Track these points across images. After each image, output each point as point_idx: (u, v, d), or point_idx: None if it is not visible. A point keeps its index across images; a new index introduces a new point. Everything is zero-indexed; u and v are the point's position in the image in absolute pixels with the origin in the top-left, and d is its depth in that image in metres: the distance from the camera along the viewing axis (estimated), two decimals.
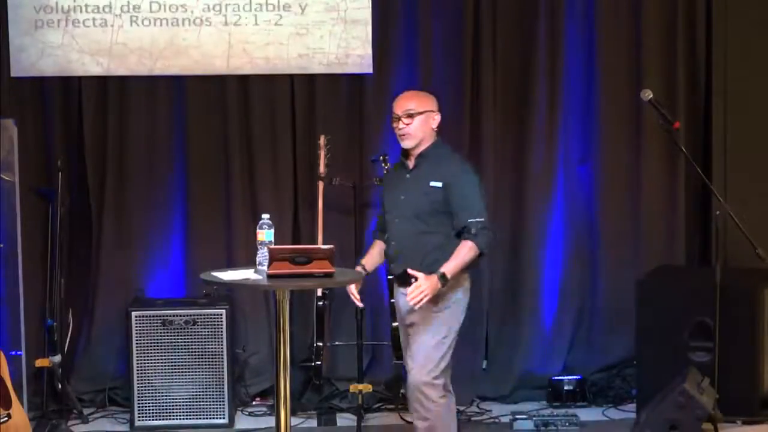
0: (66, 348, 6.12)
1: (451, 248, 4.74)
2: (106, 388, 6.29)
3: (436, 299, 4.72)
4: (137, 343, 5.94)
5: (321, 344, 5.98)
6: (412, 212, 4.83)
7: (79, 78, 6.33)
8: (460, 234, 4.77)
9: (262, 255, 4.41)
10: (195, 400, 5.97)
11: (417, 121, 4.84)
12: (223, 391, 5.98)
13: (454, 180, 4.79)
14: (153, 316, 5.96)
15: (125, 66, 6.33)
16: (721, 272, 5.48)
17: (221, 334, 5.98)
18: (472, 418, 6.14)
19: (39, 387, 6.09)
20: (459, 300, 4.84)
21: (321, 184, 6.14)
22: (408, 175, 4.90)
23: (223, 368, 5.97)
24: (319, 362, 5.97)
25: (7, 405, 4.85)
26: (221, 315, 5.99)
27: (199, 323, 5.97)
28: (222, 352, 5.97)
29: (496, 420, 6.14)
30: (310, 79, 6.46)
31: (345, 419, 6.16)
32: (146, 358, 5.94)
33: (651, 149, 6.55)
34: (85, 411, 6.16)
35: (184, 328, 5.96)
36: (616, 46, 6.56)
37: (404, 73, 6.46)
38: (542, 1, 6.48)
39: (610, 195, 6.60)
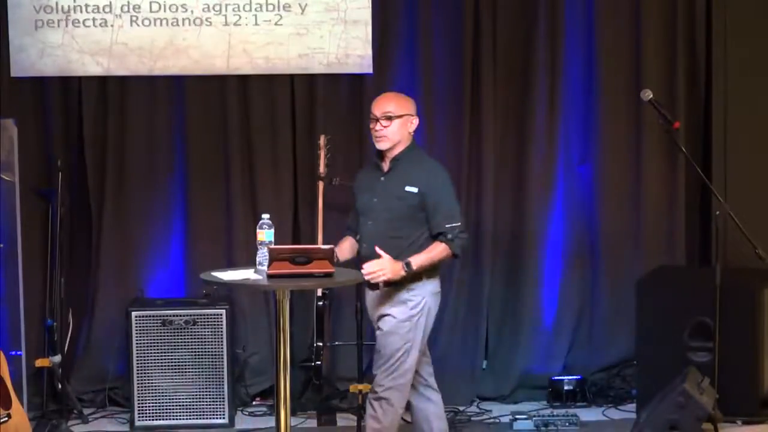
0: (66, 348, 6.12)
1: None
2: (106, 388, 6.28)
3: (402, 307, 4.74)
4: (137, 343, 5.94)
5: (321, 344, 5.98)
6: (385, 216, 4.81)
7: (79, 78, 6.33)
8: (436, 237, 4.78)
9: (262, 255, 4.41)
10: (195, 400, 5.97)
11: (395, 124, 4.81)
12: (223, 391, 5.98)
13: (429, 185, 4.78)
14: (153, 316, 5.96)
15: (125, 66, 6.32)
16: (721, 272, 5.48)
17: (221, 334, 5.98)
18: (472, 418, 6.14)
19: (39, 387, 6.09)
20: (425, 310, 4.80)
21: (321, 184, 6.14)
22: (382, 178, 4.87)
23: (223, 368, 5.97)
24: (319, 362, 5.97)
25: (7, 405, 4.84)
26: (221, 315, 5.99)
27: (199, 323, 5.97)
28: (222, 352, 5.97)
29: (496, 420, 6.14)
30: (310, 79, 6.45)
31: (345, 419, 6.16)
32: (146, 358, 5.94)
33: (651, 149, 6.55)
34: (85, 411, 6.16)
35: (184, 328, 5.96)
36: (616, 46, 6.56)
37: (404, 74, 6.45)
38: (542, 1, 6.48)
39: (610, 195, 6.59)
